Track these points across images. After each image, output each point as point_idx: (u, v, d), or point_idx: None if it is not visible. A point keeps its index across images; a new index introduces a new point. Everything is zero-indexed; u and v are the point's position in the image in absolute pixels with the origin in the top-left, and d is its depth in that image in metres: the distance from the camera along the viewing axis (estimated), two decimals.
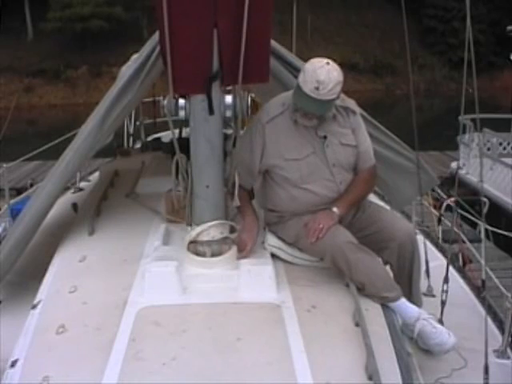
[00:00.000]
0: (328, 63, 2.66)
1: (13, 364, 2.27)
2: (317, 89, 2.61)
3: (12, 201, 5.83)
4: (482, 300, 3.84)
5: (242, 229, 2.86)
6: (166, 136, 6.62)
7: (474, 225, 6.54)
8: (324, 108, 2.71)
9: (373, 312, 2.58)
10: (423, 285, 3.56)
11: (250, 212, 2.95)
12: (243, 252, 2.76)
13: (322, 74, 2.62)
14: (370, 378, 2.05)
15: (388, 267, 2.94)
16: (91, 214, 3.50)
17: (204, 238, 2.73)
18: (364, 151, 2.95)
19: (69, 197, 5.05)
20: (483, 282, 4.05)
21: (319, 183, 2.85)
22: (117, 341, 2.23)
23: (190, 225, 2.81)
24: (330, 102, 2.70)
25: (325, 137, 2.84)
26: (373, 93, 30.55)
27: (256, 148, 2.85)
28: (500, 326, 3.45)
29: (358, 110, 2.98)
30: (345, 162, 2.88)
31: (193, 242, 2.74)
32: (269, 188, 2.97)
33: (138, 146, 7.07)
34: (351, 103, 2.95)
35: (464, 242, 5.04)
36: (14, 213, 5.07)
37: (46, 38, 31.02)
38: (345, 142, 2.88)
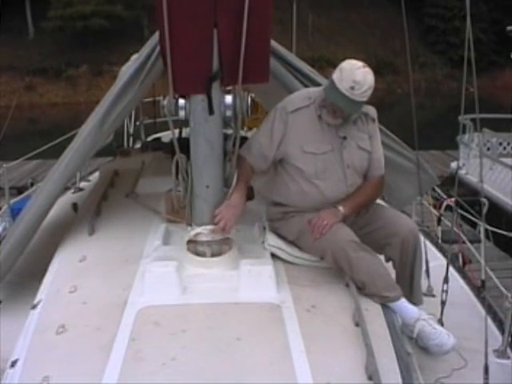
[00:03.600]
0: (364, 66, 2.73)
1: (13, 364, 2.27)
2: (352, 88, 2.66)
3: (12, 200, 5.83)
4: (482, 300, 3.84)
5: (226, 203, 2.76)
6: (166, 136, 6.63)
7: (473, 225, 6.53)
8: (354, 108, 2.75)
9: (373, 312, 2.58)
10: (423, 285, 3.55)
11: (242, 190, 2.84)
12: (217, 227, 2.70)
13: (359, 74, 2.68)
14: (370, 378, 2.05)
15: (390, 265, 2.95)
16: (91, 214, 3.49)
17: (204, 238, 2.73)
18: (377, 159, 3.00)
19: (69, 197, 5.05)
20: (483, 282, 4.05)
21: (330, 182, 2.87)
22: (117, 341, 2.23)
23: (190, 225, 2.81)
24: (360, 103, 2.74)
25: (344, 137, 2.87)
26: (374, 92, 30.44)
27: (276, 134, 2.86)
28: (500, 326, 3.45)
29: (376, 117, 3.01)
30: (358, 165, 2.92)
31: (193, 242, 2.74)
32: (279, 180, 2.97)
33: (138, 145, 7.05)
34: (372, 110, 3.00)
35: (464, 242, 5.03)
36: (15, 212, 5.07)
37: (46, 36, 31.02)
38: (362, 145, 2.92)
